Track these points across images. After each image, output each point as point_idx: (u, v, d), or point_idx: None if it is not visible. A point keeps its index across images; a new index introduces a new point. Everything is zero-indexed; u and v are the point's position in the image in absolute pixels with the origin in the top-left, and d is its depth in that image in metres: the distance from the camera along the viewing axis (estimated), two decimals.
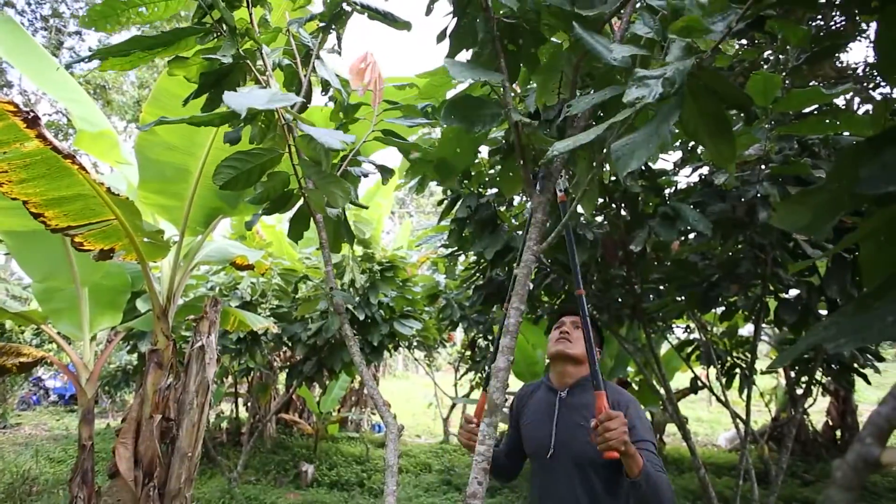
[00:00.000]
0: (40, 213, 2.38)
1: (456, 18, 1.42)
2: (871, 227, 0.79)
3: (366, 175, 1.51)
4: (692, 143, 2.75)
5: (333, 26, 1.68)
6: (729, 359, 4.07)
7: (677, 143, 2.70)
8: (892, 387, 0.58)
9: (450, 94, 1.73)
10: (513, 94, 2.31)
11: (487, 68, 1.32)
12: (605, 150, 1.20)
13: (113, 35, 18.64)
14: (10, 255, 3.18)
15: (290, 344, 5.41)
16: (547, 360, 1.76)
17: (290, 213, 1.70)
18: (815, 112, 2.06)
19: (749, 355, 3.52)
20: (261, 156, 1.37)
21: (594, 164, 1.18)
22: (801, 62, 2.31)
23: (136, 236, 2.54)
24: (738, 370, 3.93)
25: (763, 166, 2.40)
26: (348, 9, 1.68)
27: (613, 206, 2.73)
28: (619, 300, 3.27)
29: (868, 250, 0.87)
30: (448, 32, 1.36)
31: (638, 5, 1.24)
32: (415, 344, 6.96)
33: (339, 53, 1.72)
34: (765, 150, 2.28)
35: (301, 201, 1.47)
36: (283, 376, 7.49)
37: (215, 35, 1.53)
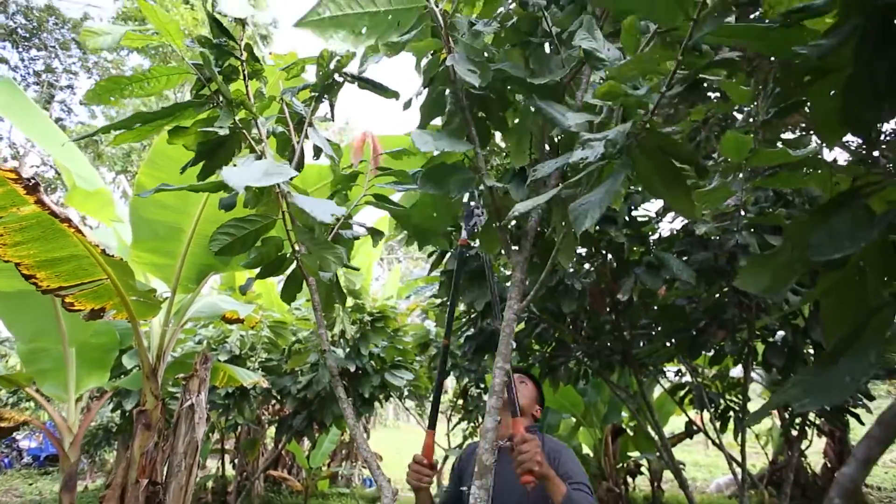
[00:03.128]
0: (32, 275, 2.40)
1: (425, 90, 1.52)
2: (823, 289, 0.85)
3: (357, 238, 1.56)
4: None
5: (326, 95, 1.78)
6: (722, 401, 4.07)
7: None
8: (854, 447, 0.62)
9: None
10: (495, 150, 2.40)
11: (458, 136, 1.41)
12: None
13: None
14: None
15: (279, 397, 5.32)
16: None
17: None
18: (786, 167, 2.18)
19: (742, 397, 3.54)
20: (255, 222, 1.43)
21: (564, 223, 1.25)
22: (770, 116, 2.47)
23: (128, 295, 2.56)
24: (731, 413, 3.93)
25: (742, 212, 2.51)
26: (340, 79, 1.78)
27: (600, 255, 2.81)
28: (609, 346, 3.30)
29: (827, 307, 0.93)
30: (419, 104, 1.45)
31: (593, 77, 1.34)
32: (406, 393, 6.87)
33: (332, 120, 1.81)
34: (742, 202, 2.39)
35: (294, 264, 1.52)
36: (271, 430, 7.30)
37: (212, 105, 1.61)
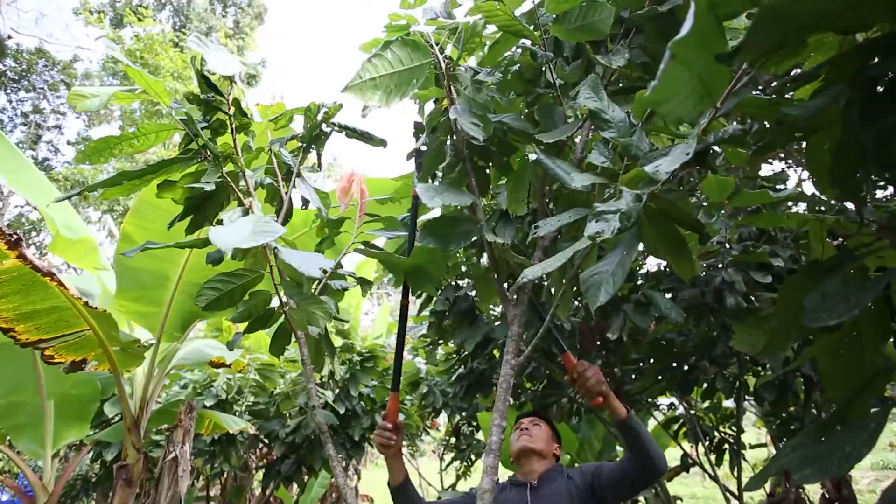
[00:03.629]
0: (10, 328, 2.33)
1: (426, 140, 1.53)
2: (820, 348, 0.85)
3: (346, 289, 1.55)
4: None
5: (313, 146, 1.79)
6: (716, 434, 4.04)
7: None
8: None
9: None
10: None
11: (458, 186, 1.42)
12: (574, 266, 1.27)
13: (91, 129, 18.98)
14: None
15: (267, 441, 5.17)
16: (511, 460, 1.80)
17: None
18: (767, 206, 2.22)
19: (735, 429, 3.55)
20: (242, 276, 1.41)
21: (564, 280, 1.25)
22: (749, 153, 2.54)
23: (110, 346, 2.49)
24: (726, 446, 3.90)
25: (729, 246, 2.54)
26: (327, 129, 1.79)
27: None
28: None
29: (826, 365, 0.93)
30: (419, 154, 1.46)
31: (590, 135, 1.36)
32: None
33: (319, 170, 1.82)
34: (726, 239, 2.43)
35: (282, 318, 1.49)
36: (259, 475, 7.06)
37: (200, 159, 1.61)
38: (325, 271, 1.18)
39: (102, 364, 2.57)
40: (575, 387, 1.41)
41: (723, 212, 2.47)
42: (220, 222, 1.47)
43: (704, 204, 2.57)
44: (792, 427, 3.47)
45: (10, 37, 13.82)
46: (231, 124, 1.57)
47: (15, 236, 1.81)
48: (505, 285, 1.43)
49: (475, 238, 1.30)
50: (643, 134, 1.05)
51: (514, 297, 1.34)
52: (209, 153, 1.55)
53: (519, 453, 1.69)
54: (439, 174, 1.52)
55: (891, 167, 0.66)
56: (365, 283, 1.60)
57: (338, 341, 4.87)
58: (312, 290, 1.44)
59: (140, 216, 2.49)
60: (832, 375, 0.92)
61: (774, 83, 1.28)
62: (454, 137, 1.37)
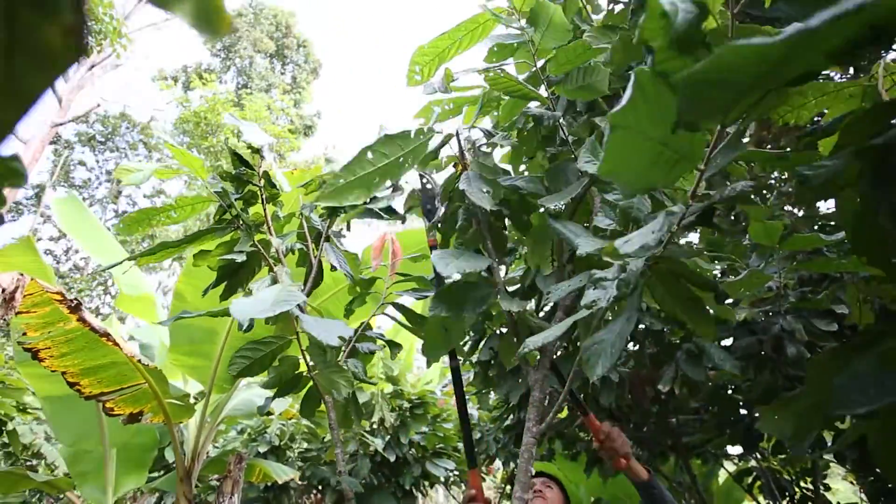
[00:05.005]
0: (76, 382, 2.49)
1: (443, 208, 1.54)
2: (868, 427, 0.75)
3: (372, 353, 1.55)
4: None
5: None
6: (797, 489, 3.67)
7: None
8: None
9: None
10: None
11: (475, 247, 1.41)
12: (591, 329, 1.22)
13: (164, 182, 20.59)
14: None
15: (319, 487, 5.19)
16: None
17: None
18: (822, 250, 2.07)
19: (815, 486, 3.23)
20: (271, 343, 1.45)
21: (579, 343, 1.19)
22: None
23: (164, 398, 2.61)
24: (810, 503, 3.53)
25: (786, 291, 2.36)
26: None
27: (636, 341, 2.68)
28: (656, 434, 3.08)
29: (877, 442, 0.82)
30: (439, 222, 1.47)
31: (598, 200, 1.32)
32: (452, 479, 6.57)
33: (348, 232, 1.86)
34: (781, 285, 2.26)
35: (311, 382, 1.51)
36: None
37: (234, 228, 1.69)
38: (343, 339, 1.19)
39: (157, 416, 2.69)
40: (601, 449, 1.37)
41: (776, 255, 2.32)
42: (250, 290, 1.53)
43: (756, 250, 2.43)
44: (889, 486, 3.12)
45: (98, 105, 15.36)
46: (262, 195, 1.65)
47: (75, 302, 1.96)
48: None
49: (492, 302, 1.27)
50: (644, 196, 1.01)
51: (536, 360, 1.29)
52: (242, 223, 1.64)
53: None
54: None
55: None
56: (394, 346, 1.60)
57: (387, 387, 4.88)
58: (340, 354, 1.46)
59: (191, 276, 2.64)
60: (887, 457, 0.81)
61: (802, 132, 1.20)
62: (466, 204, 1.38)
